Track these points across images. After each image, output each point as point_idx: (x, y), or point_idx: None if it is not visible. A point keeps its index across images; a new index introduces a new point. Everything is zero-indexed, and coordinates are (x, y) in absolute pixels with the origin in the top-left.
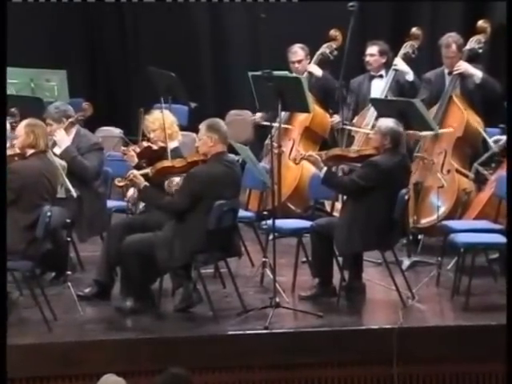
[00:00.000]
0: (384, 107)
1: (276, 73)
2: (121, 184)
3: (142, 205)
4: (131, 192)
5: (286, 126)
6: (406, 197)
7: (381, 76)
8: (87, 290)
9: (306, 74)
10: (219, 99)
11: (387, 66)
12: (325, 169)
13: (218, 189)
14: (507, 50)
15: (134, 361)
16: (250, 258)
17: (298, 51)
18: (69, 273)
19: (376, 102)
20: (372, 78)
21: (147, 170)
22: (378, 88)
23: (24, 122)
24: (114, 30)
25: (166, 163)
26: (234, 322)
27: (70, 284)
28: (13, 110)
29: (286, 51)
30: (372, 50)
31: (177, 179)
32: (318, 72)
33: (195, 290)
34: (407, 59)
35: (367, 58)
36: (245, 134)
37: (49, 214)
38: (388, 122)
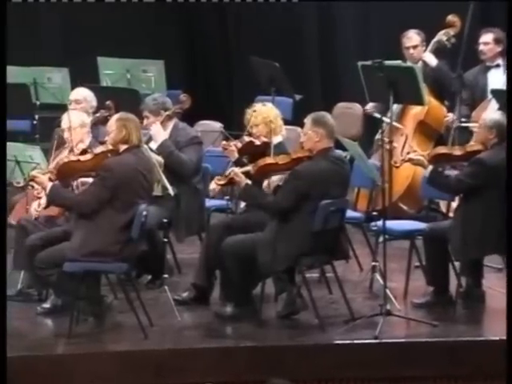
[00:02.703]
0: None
1: (387, 62)
2: (221, 183)
3: (242, 204)
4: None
5: (397, 124)
6: None
7: (498, 66)
8: (185, 295)
9: (420, 62)
10: (326, 91)
11: (504, 54)
12: (430, 168)
13: (324, 187)
14: (507, 50)
15: (234, 370)
16: (358, 261)
17: (413, 36)
18: (165, 276)
19: (498, 94)
20: (488, 68)
21: (249, 168)
22: (497, 78)
23: (115, 117)
24: (214, 18)
25: (269, 160)
26: (341, 331)
27: (166, 288)
28: (107, 102)
29: (400, 37)
30: (486, 37)
31: (276, 178)
32: (433, 61)
33: (299, 296)
34: None
35: (481, 47)
36: (354, 129)
37: (145, 213)
38: (494, 115)
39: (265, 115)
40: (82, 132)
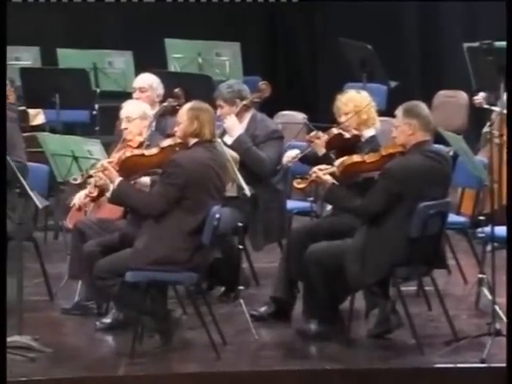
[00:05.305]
0: None
1: (498, 43)
2: (301, 186)
3: (328, 206)
4: None
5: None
6: None
7: None
8: (263, 309)
9: None
10: (426, 77)
11: None
12: None
13: (419, 186)
14: (507, 50)
15: None
16: (462, 273)
17: None
18: (241, 288)
19: None
20: None
21: (333, 169)
22: None
23: (187, 106)
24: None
25: (356, 158)
26: (443, 353)
27: (242, 301)
28: (176, 90)
29: None
30: None
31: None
32: None
33: (394, 312)
34: None
35: None
36: (458, 120)
37: (217, 215)
38: None
39: (357, 103)
40: (142, 125)
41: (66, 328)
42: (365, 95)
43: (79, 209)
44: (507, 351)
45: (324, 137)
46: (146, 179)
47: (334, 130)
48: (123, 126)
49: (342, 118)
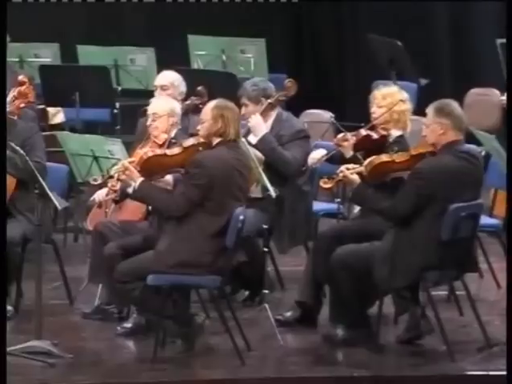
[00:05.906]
0: None
1: None
2: (327, 186)
3: (356, 208)
4: None
5: None
6: None
7: None
8: (288, 314)
9: None
10: (458, 74)
11: None
12: None
13: (452, 188)
14: (507, 51)
15: None
16: (494, 277)
17: None
18: (266, 292)
19: None
20: None
21: (361, 168)
22: None
23: (211, 104)
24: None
25: (385, 158)
26: (475, 360)
27: (267, 306)
28: (199, 88)
29: None
30: None
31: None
32: None
33: (424, 317)
34: None
35: None
36: (490, 119)
37: (241, 217)
38: None
39: (394, 101)
40: (169, 122)
41: (86, 333)
42: (405, 97)
43: (99, 205)
44: (507, 358)
45: (352, 139)
46: (168, 177)
47: (362, 132)
48: (149, 121)
49: (373, 109)
